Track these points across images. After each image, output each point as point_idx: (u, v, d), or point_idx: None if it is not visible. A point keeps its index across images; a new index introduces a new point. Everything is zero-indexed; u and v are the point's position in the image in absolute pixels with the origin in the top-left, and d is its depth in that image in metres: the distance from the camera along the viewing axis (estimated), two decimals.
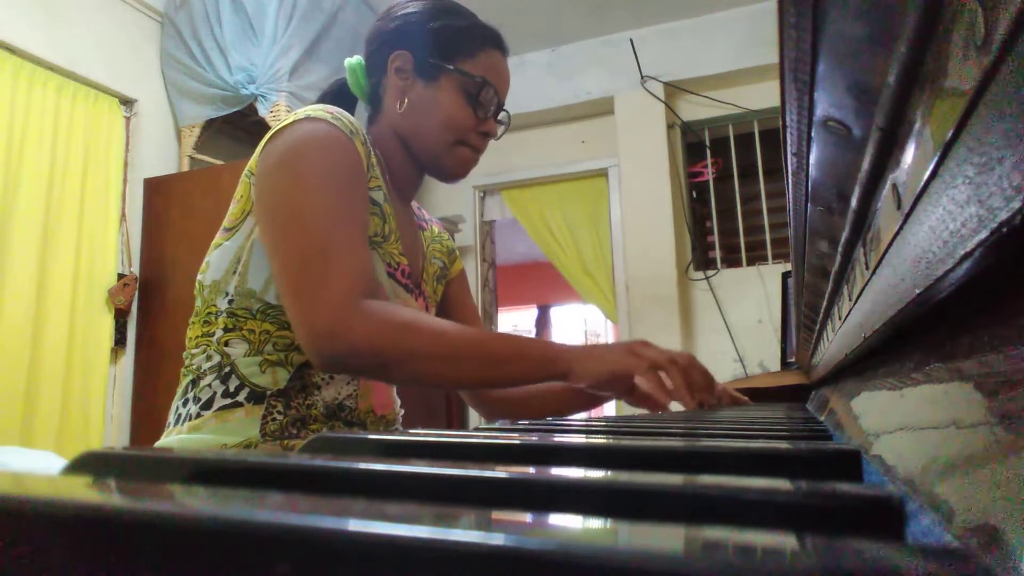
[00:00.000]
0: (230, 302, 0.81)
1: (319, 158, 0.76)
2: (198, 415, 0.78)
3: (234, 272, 0.82)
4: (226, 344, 0.80)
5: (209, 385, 0.79)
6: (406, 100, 0.89)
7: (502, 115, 0.95)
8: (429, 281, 0.99)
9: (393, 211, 0.89)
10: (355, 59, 0.94)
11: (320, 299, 0.70)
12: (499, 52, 0.92)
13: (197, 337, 0.83)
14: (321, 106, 0.82)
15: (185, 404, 0.80)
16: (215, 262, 0.84)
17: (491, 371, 0.75)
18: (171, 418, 0.82)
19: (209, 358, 0.80)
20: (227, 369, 0.79)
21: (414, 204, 1.04)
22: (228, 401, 0.78)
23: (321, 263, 0.71)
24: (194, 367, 0.81)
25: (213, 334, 0.81)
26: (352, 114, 0.95)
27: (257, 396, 0.78)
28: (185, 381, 0.82)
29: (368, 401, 0.86)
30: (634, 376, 0.78)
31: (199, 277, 0.85)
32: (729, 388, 0.96)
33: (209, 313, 0.82)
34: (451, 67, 0.87)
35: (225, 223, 0.85)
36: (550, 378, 0.77)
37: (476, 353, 0.74)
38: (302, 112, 0.80)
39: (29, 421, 2.15)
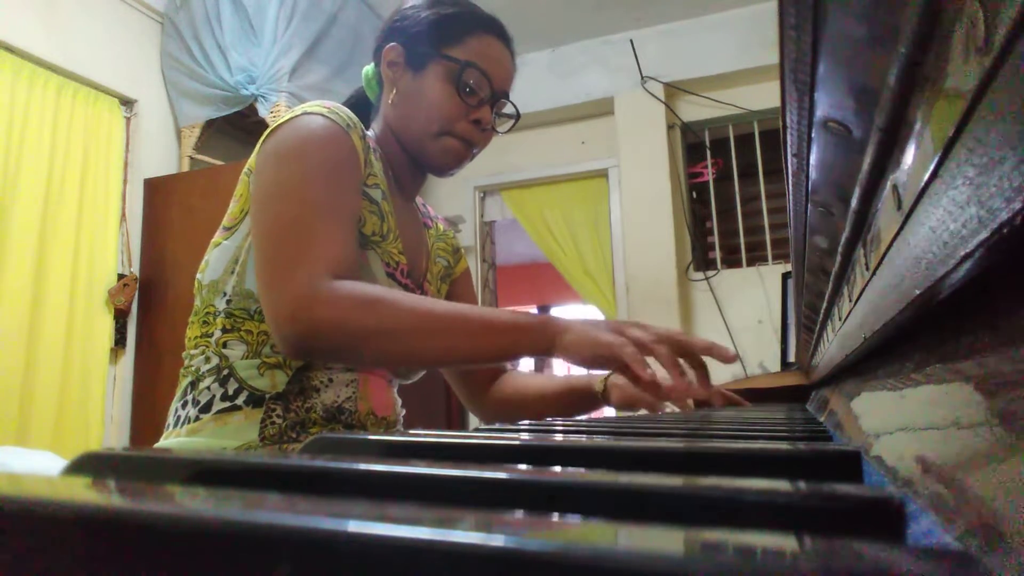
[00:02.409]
0: (228, 302, 0.80)
1: (310, 149, 0.76)
2: (197, 418, 0.78)
3: (232, 272, 0.81)
4: (224, 345, 0.80)
5: (208, 388, 0.79)
6: (394, 91, 0.88)
7: (507, 108, 0.92)
8: (433, 280, 0.98)
9: (393, 209, 0.88)
10: (370, 66, 0.94)
11: (287, 281, 0.68)
12: (492, 37, 0.88)
13: (196, 337, 0.82)
14: (319, 102, 0.82)
15: (184, 406, 0.80)
16: (214, 261, 0.83)
17: (469, 345, 0.70)
18: (170, 420, 0.81)
19: (208, 360, 0.80)
20: (226, 372, 0.79)
21: (419, 200, 1.02)
22: (227, 404, 0.77)
23: (295, 248, 0.70)
24: (193, 368, 0.81)
25: (211, 335, 0.81)
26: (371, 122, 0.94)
27: (256, 399, 0.77)
28: (184, 382, 0.82)
29: (368, 403, 0.85)
30: (619, 358, 0.69)
31: (198, 276, 0.85)
32: (723, 389, 0.93)
33: (208, 313, 0.82)
34: (437, 54, 0.85)
35: (224, 222, 0.84)
36: (534, 352, 0.72)
37: (451, 326, 0.70)
38: (299, 109, 0.80)
39: (25, 421, 2.14)
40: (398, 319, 0.68)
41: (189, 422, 0.78)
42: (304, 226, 0.71)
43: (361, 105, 0.96)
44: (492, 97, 0.88)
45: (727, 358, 0.71)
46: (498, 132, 0.93)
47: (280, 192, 0.74)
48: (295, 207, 0.72)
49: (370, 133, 0.91)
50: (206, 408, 0.78)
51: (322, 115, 0.78)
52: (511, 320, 0.72)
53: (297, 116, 0.79)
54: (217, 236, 0.85)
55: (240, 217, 0.82)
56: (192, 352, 0.82)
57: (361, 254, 0.81)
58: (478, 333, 0.70)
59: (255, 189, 0.77)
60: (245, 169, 0.82)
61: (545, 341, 0.71)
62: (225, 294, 0.81)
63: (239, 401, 0.77)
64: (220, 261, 0.82)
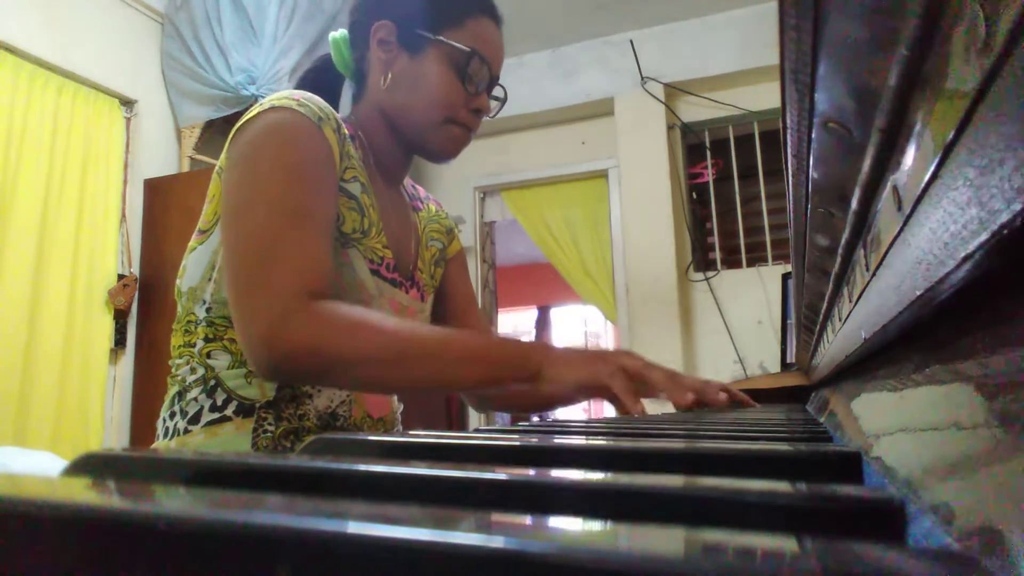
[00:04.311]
0: (208, 310, 0.77)
1: (276, 151, 0.71)
2: (186, 430, 0.74)
3: (209, 279, 0.77)
4: (208, 356, 0.76)
5: (195, 399, 0.75)
6: (390, 75, 0.82)
7: (497, 90, 0.88)
8: (425, 268, 0.94)
9: (375, 201, 0.83)
10: (339, 32, 0.87)
11: (258, 303, 0.64)
12: (489, 19, 0.83)
13: (180, 347, 0.79)
14: (288, 93, 0.75)
15: (172, 417, 0.77)
16: (191, 267, 0.79)
17: (447, 374, 0.68)
18: (159, 431, 0.78)
19: (193, 370, 0.77)
20: (212, 382, 0.75)
21: (408, 182, 0.98)
22: (216, 415, 0.74)
23: (263, 263, 0.66)
24: (179, 378, 0.78)
25: (194, 344, 0.77)
26: (339, 94, 0.90)
27: (246, 409, 0.74)
28: (171, 392, 0.78)
29: (363, 407, 0.82)
30: (607, 388, 0.68)
31: (177, 282, 0.81)
32: (728, 388, 0.90)
33: (189, 321, 0.78)
34: (437, 37, 0.80)
35: (200, 224, 0.80)
36: (517, 381, 0.69)
37: (430, 354, 0.67)
38: (267, 102, 0.74)
39: (24, 421, 2.14)
40: (377, 346, 0.65)
41: (179, 434, 0.75)
42: (273, 239, 0.67)
43: (327, 75, 0.90)
44: (490, 84, 0.84)
45: (715, 402, 0.67)
46: (489, 117, 0.89)
47: (246, 201, 0.69)
48: (262, 218, 0.68)
49: (348, 116, 0.87)
50: (195, 420, 0.75)
51: (291, 109, 0.73)
52: (495, 348, 0.70)
53: (264, 111, 0.73)
54: (192, 240, 0.80)
55: (214, 220, 0.78)
56: (177, 361, 0.79)
57: (343, 253, 0.78)
58: (460, 362, 0.68)
59: (223, 196, 0.73)
60: (217, 168, 0.78)
61: (529, 370, 0.70)
62: (204, 302, 0.77)
63: (228, 411, 0.74)
64: (197, 267, 0.79)
